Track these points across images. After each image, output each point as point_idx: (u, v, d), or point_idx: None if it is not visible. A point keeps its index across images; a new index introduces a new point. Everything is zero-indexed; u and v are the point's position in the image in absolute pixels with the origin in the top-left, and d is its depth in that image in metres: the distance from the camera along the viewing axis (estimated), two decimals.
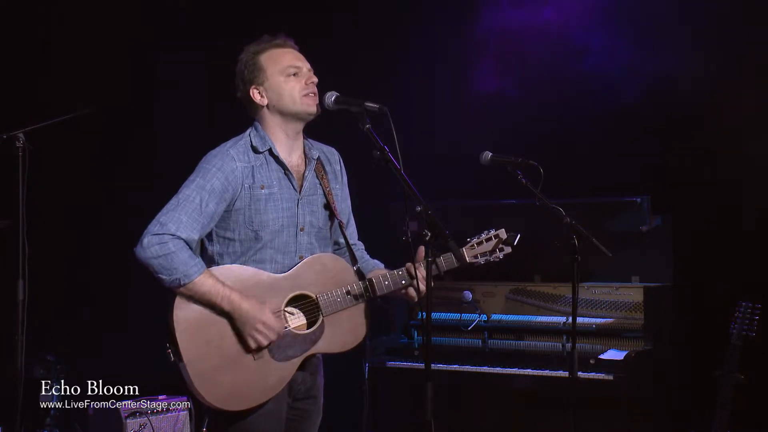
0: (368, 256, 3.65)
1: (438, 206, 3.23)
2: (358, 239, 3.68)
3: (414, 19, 5.95)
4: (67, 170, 6.10)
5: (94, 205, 6.18)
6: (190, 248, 3.26)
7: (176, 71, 6.10)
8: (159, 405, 5.11)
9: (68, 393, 5.38)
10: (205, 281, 3.23)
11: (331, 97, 3.35)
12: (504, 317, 5.16)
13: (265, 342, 3.26)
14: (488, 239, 3.52)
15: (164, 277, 3.21)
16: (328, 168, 3.53)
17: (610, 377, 4.60)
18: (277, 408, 3.35)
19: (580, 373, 4.42)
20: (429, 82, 5.88)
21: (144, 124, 6.21)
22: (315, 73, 3.44)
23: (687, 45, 5.20)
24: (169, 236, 3.21)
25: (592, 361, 4.67)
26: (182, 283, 3.20)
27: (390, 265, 3.53)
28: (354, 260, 3.51)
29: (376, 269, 3.55)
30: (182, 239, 3.23)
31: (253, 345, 3.25)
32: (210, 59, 5.68)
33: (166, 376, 3.54)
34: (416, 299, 3.41)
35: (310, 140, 3.53)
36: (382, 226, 4.92)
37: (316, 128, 3.51)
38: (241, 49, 3.47)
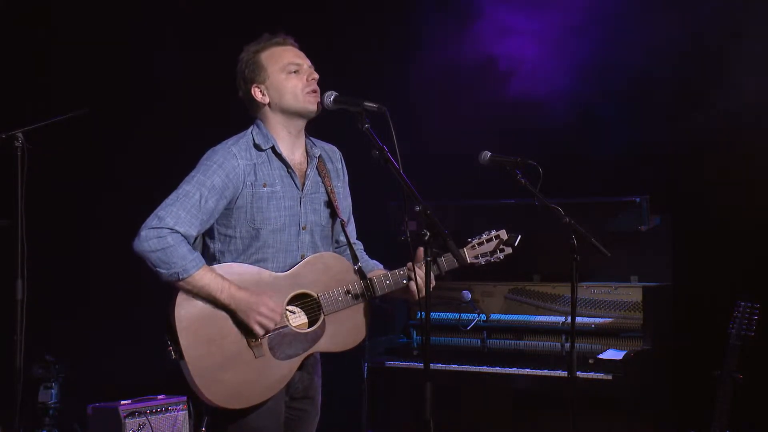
0: (367, 256, 3.65)
1: (437, 206, 3.22)
2: (357, 239, 3.68)
3: (412, 19, 5.95)
4: (66, 170, 6.10)
5: (94, 204, 6.17)
6: (189, 243, 3.26)
7: (176, 71, 6.09)
8: (158, 405, 5.11)
9: (67, 393, 5.39)
10: (204, 275, 3.22)
11: (330, 96, 3.36)
12: (503, 317, 5.16)
13: (271, 325, 3.25)
14: (489, 240, 3.53)
15: (162, 271, 3.21)
16: (330, 166, 3.53)
17: (609, 377, 4.60)
18: (276, 406, 3.35)
19: (579, 373, 4.42)
20: (428, 81, 5.88)
21: (144, 124, 6.21)
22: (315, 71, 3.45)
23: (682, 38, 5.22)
24: (168, 230, 3.21)
25: (591, 361, 4.68)
26: (180, 277, 3.20)
27: (389, 265, 3.53)
28: (355, 259, 3.50)
29: (376, 269, 3.55)
30: (180, 234, 3.23)
31: (259, 331, 3.24)
32: (210, 59, 5.68)
33: (165, 375, 3.54)
34: (417, 298, 3.41)
35: (312, 138, 3.53)
36: (381, 226, 4.92)
37: (315, 128, 3.52)
38: (241, 48, 3.47)
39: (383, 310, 4.98)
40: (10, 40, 6.08)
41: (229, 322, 3.26)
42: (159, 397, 5.15)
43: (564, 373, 4.66)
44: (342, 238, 3.58)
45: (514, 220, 3.81)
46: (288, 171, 3.40)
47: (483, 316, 5.13)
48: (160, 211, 3.25)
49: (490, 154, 3.85)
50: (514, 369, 4.87)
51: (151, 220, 3.24)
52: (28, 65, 6.18)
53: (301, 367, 3.38)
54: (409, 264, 3.39)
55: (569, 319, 4.71)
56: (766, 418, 4.92)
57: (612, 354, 4.72)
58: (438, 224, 3.11)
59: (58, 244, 6.06)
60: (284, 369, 3.32)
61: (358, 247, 3.65)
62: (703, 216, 5.13)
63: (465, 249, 3.49)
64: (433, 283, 3.27)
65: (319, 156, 3.51)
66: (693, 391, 4.89)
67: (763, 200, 5.02)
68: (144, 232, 3.21)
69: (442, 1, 5.92)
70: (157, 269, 3.21)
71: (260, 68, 3.40)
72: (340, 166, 3.58)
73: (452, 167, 5.40)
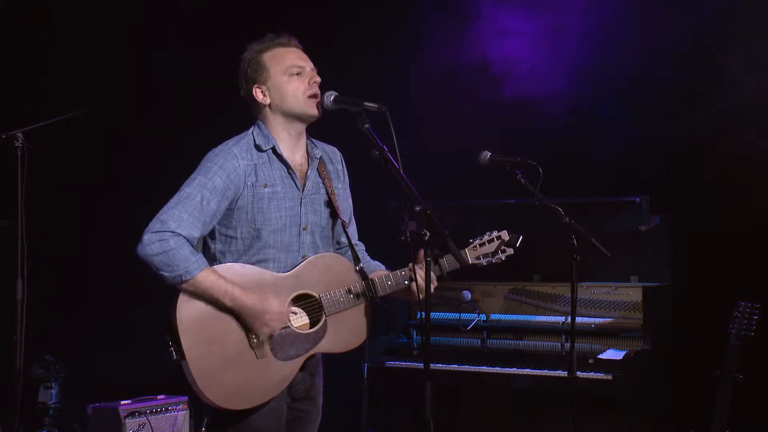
0: (369, 257, 3.65)
1: (437, 206, 3.23)
2: (358, 239, 3.68)
3: (412, 20, 5.95)
4: (66, 170, 6.10)
5: (94, 204, 6.17)
6: (192, 245, 3.26)
7: (176, 71, 6.09)
8: (158, 405, 5.11)
9: (67, 393, 5.38)
10: (207, 277, 3.23)
11: (330, 96, 3.35)
12: (503, 317, 5.16)
13: (278, 326, 3.25)
14: (490, 240, 3.54)
15: (166, 274, 3.21)
16: (330, 167, 3.53)
17: (609, 377, 4.60)
18: (278, 407, 3.35)
19: (579, 373, 4.42)
20: (428, 81, 5.88)
21: (144, 124, 6.21)
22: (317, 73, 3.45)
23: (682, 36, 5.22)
24: (170, 233, 3.21)
25: (591, 361, 4.67)
26: (184, 279, 3.20)
27: (390, 265, 3.53)
28: (356, 260, 3.50)
29: (377, 270, 3.55)
30: (182, 236, 3.23)
31: (267, 333, 3.24)
32: (210, 59, 5.68)
33: (165, 375, 3.54)
34: (418, 298, 3.40)
35: (313, 139, 3.54)
36: (381, 226, 4.92)
37: (315, 128, 3.51)
38: (242, 48, 3.47)
39: (384, 310, 4.98)
40: (10, 40, 6.07)
41: (231, 322, 3.26)
42: (159, 397, 5.15)
43: (564, 373, 4.66)
44: (343, 239, 3.58)
45: (514, 220, 3.81)
46: (288, 172, 3.40)
47: (483, 316, 5.13)
48: (162, 214, 3.25)
49: (490, 154, 3.85)
50: (514, 369, 4.87)
51: (154, 224, 3.24)
52: (28, 65, 6.17)
53: (302, 368, 3.38)
54: (411, 264, 3.39)
55: (569, 319, 4.71)
56: (766, 418, 4.92)
57: (612, 354, 4.72)
58: (438, 224, 3.11)
59: (58, 244, 6.05)
60: (286, 370, 3.31)
61: (360, 248, 3.65)
62: (703, 216, 5.13)
63: (466, 249, 3.50)
64: (435, 283, 3.29)
65: (320, 157, 3.51)
66: (693, 391, 4.89)
67: (763, 200, 5.02)
68: (147, 237, 3.22)
69: (441, 1, 5.91)
70: (161, 272, 3.21)
71: (262, 68, 3.40)
72: (340, 168, 3.58)
73: (452, 167, 5.40)
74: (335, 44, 5.77)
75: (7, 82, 5.98)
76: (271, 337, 3.28)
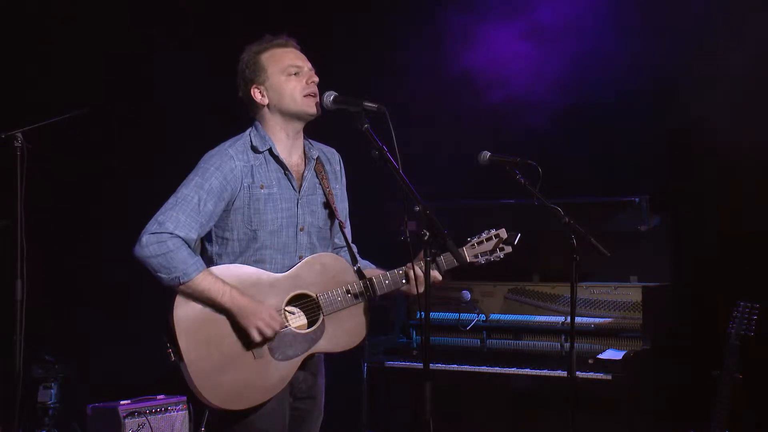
0: (359, 257, 3.65)
1: (437, 206, 3.23)
2: (354, 240, 3.67)
3: (413, 18, 5.95)
4: (66, 170, 6.09)
5: (93, 204, 6.17)
6: (189, 247, 3.26)
7: (175, 70, 6.09)
8: (157, 405, 5.11)
9: (67, 393, 5.38)
10: (205, 279, 3.23)
11: (329, 96, 3.35)
12: (502, 317, 5.16)
13: (269, 332, 3.24)
14: (489, 239, 3.53)
15: (163, 275, 3.21)
16: (328, 168, 3.53)
17: (609, 377, 4.61)
18: (279, 407, 3.35)
19: (578, 373, 4.42)
20: (429, 81, 5.88)
21: (143, 124, 6.21)
22: (315, 73, 3.44)
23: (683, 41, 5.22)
24: (168, 235, 3.22)
25: (590, 361, 4.68)
26: (181, 281, 3.20)
27: (387, 264, 3.53)
28: (354, 260, 3.50)
29: (369, 269, 3.55)
30: (180, 238, 3.23)
31: (257, 337, 3.24)
32: (209, 58, 5.68)
33: (164, 375, 3.53)
34: (415, 292, 3.38)
35: (310, 140, 3.53)
36: (380, 226, 4.92)
37: (313, 127, 3.51)
38: (241, 47, 3.47)
39: (381, 309, 4.99)
40: (9, 39, 6.07)
41: (228, 323, 3.26)
42: (159, 397, 5.16)
43: (563, 373, 4.66)
44: (338, 240, 3.58)
45: (514, 220, 3.81)
46: (285, 173, 3.40)
47: (482, 316, 5.13)
48: (159, 215, 3.26)
49: (489, 154, 3.85)
50: (513, 369, 4.87)
51: (151, 225, 3.24)
52: (28, 65, 6.16)
53: (304, 368, 3.38)
54: (409, 264, 3.39)
55: (569, 319, 4.70)
56: (766, 418, 4.92)
57: (611, 354, 4.72)
58: (437, 224, 3.10)
59: (58, 244, 6.05)
60: (284, 370, 3.31)
61: (353, 249, 3.64)
62: (703, 216, 5.13)
63: (465, 248, 3.50)
64: (439, 278, 3.29)
65: (317, 158, 3.51)
66: (693, 391, 4.89)
67: (763, 200, 5.02)
68: (145, 238, 3.22)
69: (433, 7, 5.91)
70: (159, 274, 3.22)
71: (260, 69, 3.40)
72: (338, 169, 3.58)
73: (452, 167, 5.40)
74: (335, 43, 5.77)
75: (7, 82, 5.98)
76: (271, 339, 3.27)
